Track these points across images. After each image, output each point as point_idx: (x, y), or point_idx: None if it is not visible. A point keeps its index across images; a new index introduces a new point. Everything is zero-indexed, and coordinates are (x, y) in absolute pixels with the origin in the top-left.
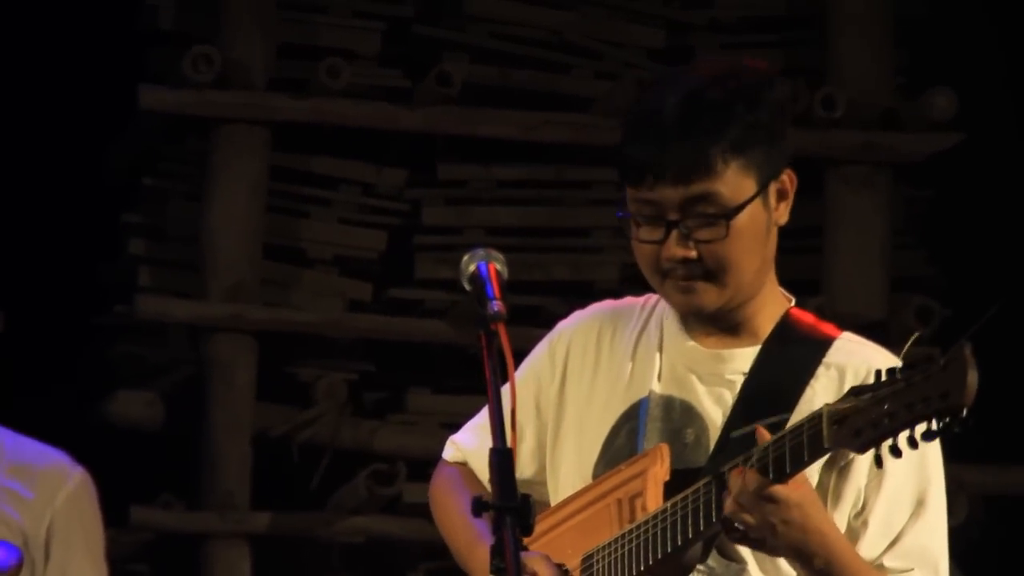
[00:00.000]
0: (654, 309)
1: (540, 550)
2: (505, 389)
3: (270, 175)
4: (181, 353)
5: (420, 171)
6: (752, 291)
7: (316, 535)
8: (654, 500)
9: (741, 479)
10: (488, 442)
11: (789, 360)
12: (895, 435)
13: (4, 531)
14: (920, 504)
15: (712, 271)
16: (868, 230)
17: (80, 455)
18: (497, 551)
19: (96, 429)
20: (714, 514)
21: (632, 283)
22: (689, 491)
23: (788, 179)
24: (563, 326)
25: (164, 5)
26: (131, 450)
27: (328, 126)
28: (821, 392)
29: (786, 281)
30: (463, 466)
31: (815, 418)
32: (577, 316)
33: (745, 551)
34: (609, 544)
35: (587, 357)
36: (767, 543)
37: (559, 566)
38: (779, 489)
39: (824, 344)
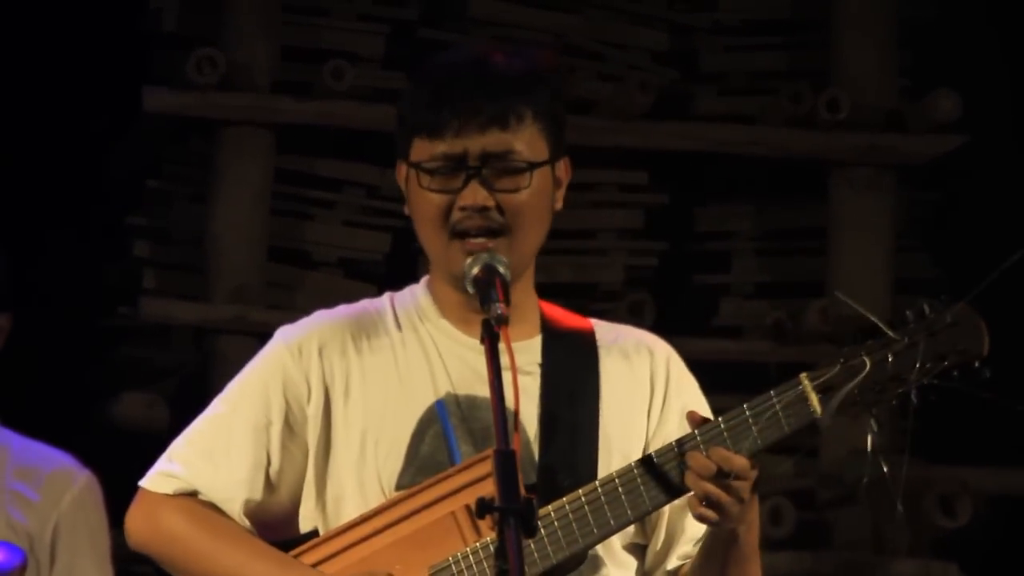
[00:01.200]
0: (395, 310)
1: (356, 569)
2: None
3: (274, 177)
4: (185, 355)
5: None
6: (524, 269)
7: None
8: None
9: (705, 458)
10: (220, 469)
11: (570, 346)
12: (902, 395)
13: (10, 534)
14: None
15: (507, 225)
16: (872, 232)
17: (84, 457)
18: (500, 553)
19: (100, 431)
20: (662, 495)
21: (636, 284)
22: (597, 483)
23: (565, 168)
24: (299, 337)
25: (168, 7)
26: (135, 452)
27: (332, 128)
28: (614, 372)
29: (791, 283)
30: (190, 498)
31: (794, 389)
32: (311, 326)
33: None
34: (476, 551)
35: (349, 367)
36: (732, 515)
37: None
38: (745, 464)
39: (588, 330)
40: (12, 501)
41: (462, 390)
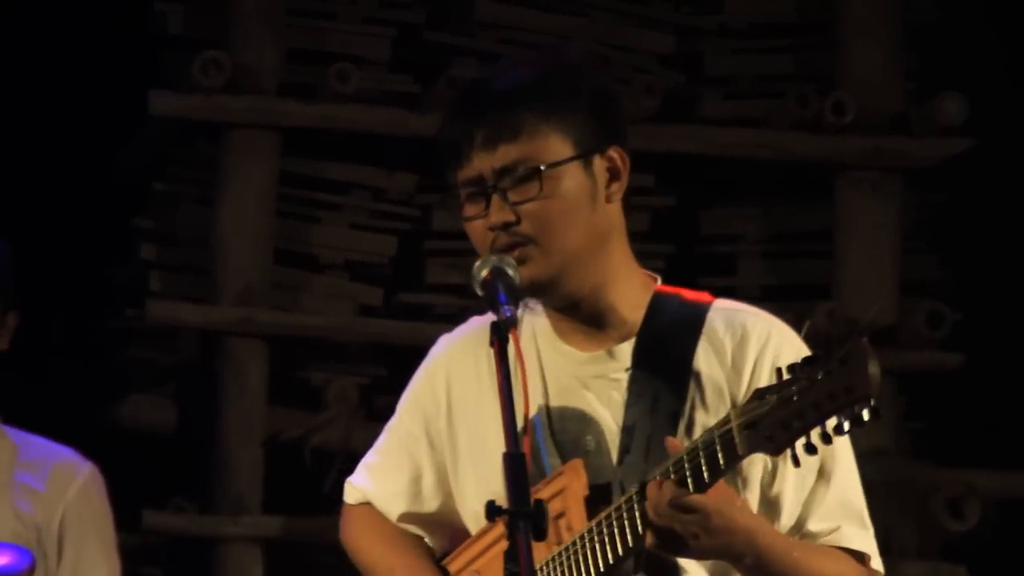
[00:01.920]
0: (521, 324)
1: None
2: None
3: (280, 180)
4: (192, 357)
5: (430, 176)
6: (591, 270)
7: (328, 539)
8: (578, 518)
9: (658, 492)
10: (385, 480)
11: (667, 344)
12: (806, 433)
13: (18, 525)
14: (827, 457)
15: (533, 233)
16: (878, 235)
17: (92, 458)
18: (511, 556)
19: (108, 433)
20: (640, 528)
21: None
22: (612, 507)
23: (619, 157)
24: (436, 355)
25: (174, 10)
26: (143, 454)
27: (338, 131)
28: (706, 368)
29: (797, 286)
30: (367, 506)
31: (725, 425)
32: (448, 343)
33: (685, 561)
34: (540, 569)
35: (468, 384)
36: (689, 551)
37: None
38: (696, 499)
39: (698, 317)
40: (20, 493)
41: (556, 402)
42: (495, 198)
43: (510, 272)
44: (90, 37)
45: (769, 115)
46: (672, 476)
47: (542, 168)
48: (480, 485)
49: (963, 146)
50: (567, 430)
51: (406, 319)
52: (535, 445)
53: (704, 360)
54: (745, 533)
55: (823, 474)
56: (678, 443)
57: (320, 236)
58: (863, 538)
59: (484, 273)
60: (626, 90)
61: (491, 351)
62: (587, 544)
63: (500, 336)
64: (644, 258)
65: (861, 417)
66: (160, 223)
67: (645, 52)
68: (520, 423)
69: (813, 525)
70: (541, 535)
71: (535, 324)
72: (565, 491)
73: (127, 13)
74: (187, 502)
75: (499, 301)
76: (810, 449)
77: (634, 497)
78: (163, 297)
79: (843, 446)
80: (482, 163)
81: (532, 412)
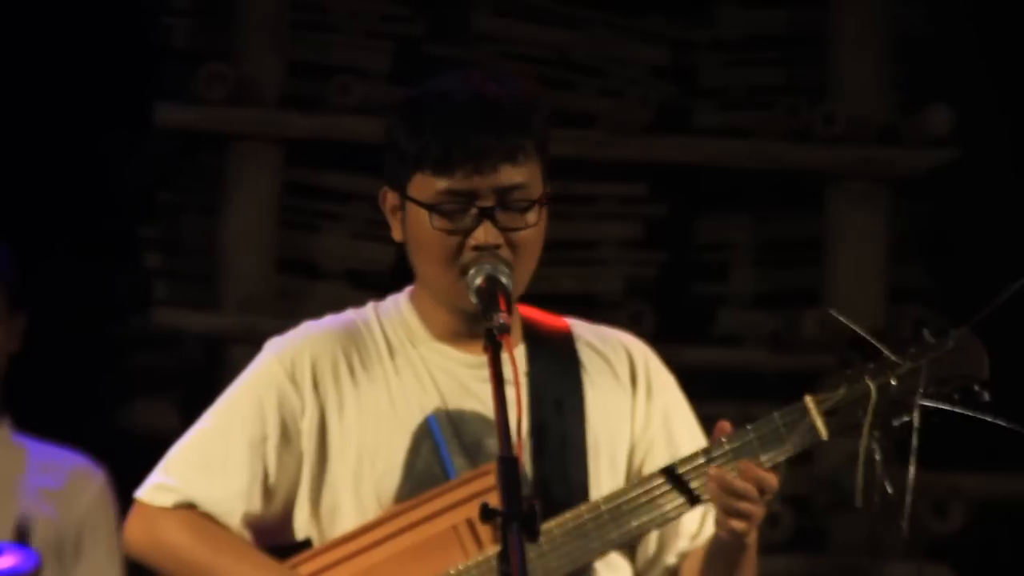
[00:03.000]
0: (383, 325)
1: None
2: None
3: (283, 190)
4: (195, 364)
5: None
6: (518, 294)
7: None
8: None
9: (724, 471)
10: (220, 481)
11: (551, 352)
12: (904, 418)
13: (39, 527)
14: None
15: (512, 260)
16: (867, 244)
17: (98, 463)
18: (504, 557)
19: (113, 438)
20: (682, 508)
21: (636, 294)
22: (603, 499)
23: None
24: (291, 350)
25: (178, 23)
26: (147, 459)
27: (339, 142)
28: (595, 374)
29: (787, 293)
30: (189, 511)
31: (797, 410)
32: (301, 339)
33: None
34: (479, 564)
35: (341, 381)
36: (750, 524)
37: None
38: (767, 475)
39: (566, 331)
40: (38, 496)
41: (452, 405)
42: (487, 221)
43: (504, 280)
44: (96, 49)
45: (760, 126)
46: (729, 458)
47: (541, 200)
48: (360, 485)
49: (951, 156)
50: (467, 432)
51: None
52: (432, 447)
53: (591, 367)
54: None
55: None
56: (727, 425)
57: (321, 245)
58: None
59: (479, 280)
60: (621, 101)
61: (360, 351)
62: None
63: (493, 343)
64: (638, 266)
65: (979, 396)
66: (165, 232)
67: (640, 64)
68: (412, 425)
69: None
70: (534, 537)
71: (398, 324)
72: (489, 492)
73: (132, 26)
74: None
75: (494, 308)
76: (902, 432)
77: (658, 484)
78: (168, 305)
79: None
80: (483, 181)
81: (424, 413)
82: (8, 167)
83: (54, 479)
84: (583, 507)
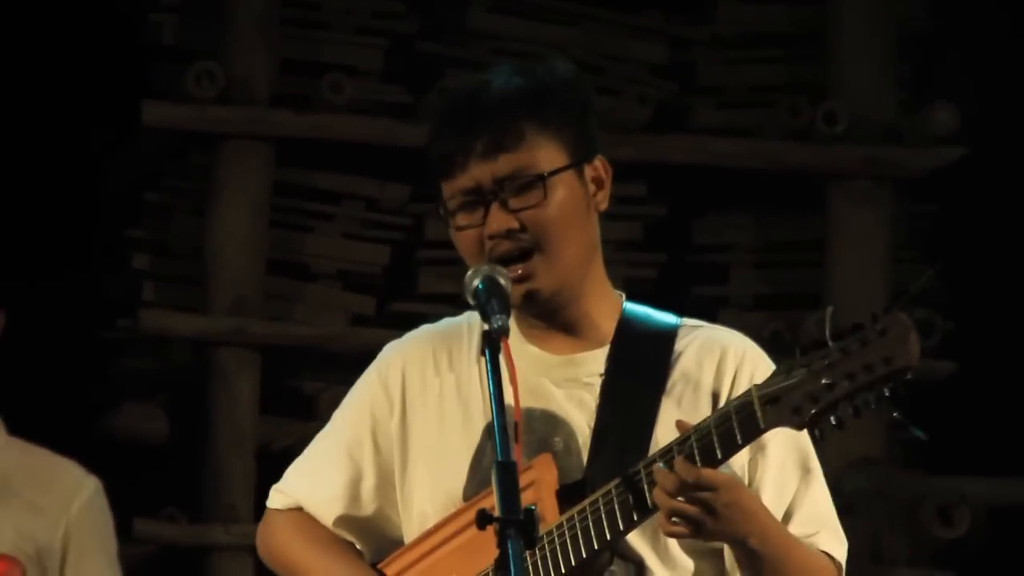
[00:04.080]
0: (483, 325)
1: None
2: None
3: (273, 190)
4: (184, 367)
5: (423, 186)
6: (580, 279)
7: None
8: (551, 510)
9: (666, 472)
10: (320, 484)
11: (640, 354)
12: (836, 407)
13: (19, 540)
14: (806, 471)
15: (537, 241)
16: (870, 244)
17: (85, 468)
18: (501, 564)
19: (100, 442)
20: (634, 513)
21: (634, 296)
22: (594, 497)
23: (603, 167)
24: (388, 356)
25: (167, 21)
26: (135, 463)
27: (331, 141)
28: (681, 380)
29: (789, 295)
30: (297, 512)
31: (744, 401)
32: (401, 344)
33: (642, 548)
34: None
35: (428, 384)
36: (707, 529)
37: None
38: (712, 474)
39: (669, 332)
40: (21, 507)
41: (525, 402)
42: (495, 206)
43: (502, 282)
44: (84, 47)
45: (761, 125)
46: (684, 453)
47: (544, 175)
48: (435, 485)
49: (955, 156)
50: (534, 430)
51: (399, 328)
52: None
53: (679, 372)
54: (752, 512)
55: (805, 481)
56: (687, 424)
57: (313, 246)
58: (838, 549)
59: (476, 282)
60: (619, 100)
61: (452, 351)
62: (565, 534)
63: (491, 346)
64: (637, 267)
65: (898, 389)
66: (153, 233)
67: (638, 62)
68: (485, 422)
69: (794, 528)
70: (532, 543)
71: None
72: (537, 483)
73: (121, 23)
74: (179, 511)
75: (490, 310)
76: (839, 425)
77: (615, 488)
78: (156, 307)
79: (815, 456)
80: (481, 172)
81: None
82: None
83: (40, 490)
84: (580, 504)
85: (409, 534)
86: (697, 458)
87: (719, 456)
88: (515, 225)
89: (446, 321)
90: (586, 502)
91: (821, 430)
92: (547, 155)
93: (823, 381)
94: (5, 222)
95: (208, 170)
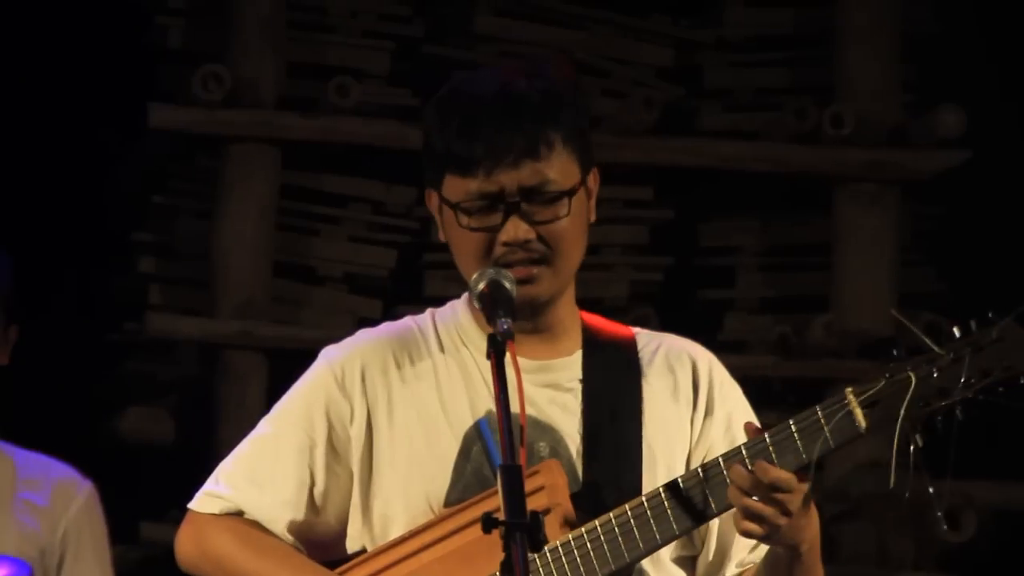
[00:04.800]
0: (437, 329)
1: None
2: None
3: (280, 193)
4: (191, 370)
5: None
6: (566, 288)
7: None
8: (568, 514)
9: (748, 472)
10: (267, 489)
11: (611, 360)
12: (949, 410)
13: (22, 542)
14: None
15: (550, 254)
16: (876, 247)
17: (91, 471)
18: (507, 568)
19: (107, 445)
20: (675, 524)
21: (641, 300)
22: (643, 499)
23: (594, 178)
24: (342, 358)
25: (174, 24)
26: (141, 466)
27: (338, 144)
28: (655, 383)
29: (795, 298)
30: (235, 518)
31: (838, 403)
32: (353, 346)
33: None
34: (546, 556)
35: (391, 386)
36: (780, 530)
37: None
38: (789, 477)
39: (629, 340)
40: (23, 510)
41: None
42: (514, 216)
43: (507, 285)
44: (90, 50)
45: (767, 127)
46: (771, 452)
47: (571, 191)
48: (408, 490)
49: (961, 158)
50: (519, 435)
51: None
52: (483, 449)
53: (652, 377)
54: (809, 517)
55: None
56: (755, 425)
57: (319, 249)
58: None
59: (482, 286)
60: (625, 103)
61: (411, 356)
62: (595, 542)
63: (497, 349)
64: (643, 270)
65: (1012, 397)
66: (159, 236)
67: (644, 65)
68: (463, 427)
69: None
70: (538, 547)
71: (452, 327)
72: (549, 488)
73: (127, 26)
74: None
75: (497, 314)
76: (943, 428)
77: (664, 491)
78: (162, 310)
79: None
80: (507, 180)
81: (476, 416)
82: (0, 168)
83: (39, 493)
84: (619, 509)
85: (363, 538)
86: (775, 459)
87: (803, 457)
88: (532, 236)
89: (386, 326)
90: (629, 506)
91: (920, 433)
92: (567, 167)
93: (933, 386)
94: (12, 226)
95: (215, 173)
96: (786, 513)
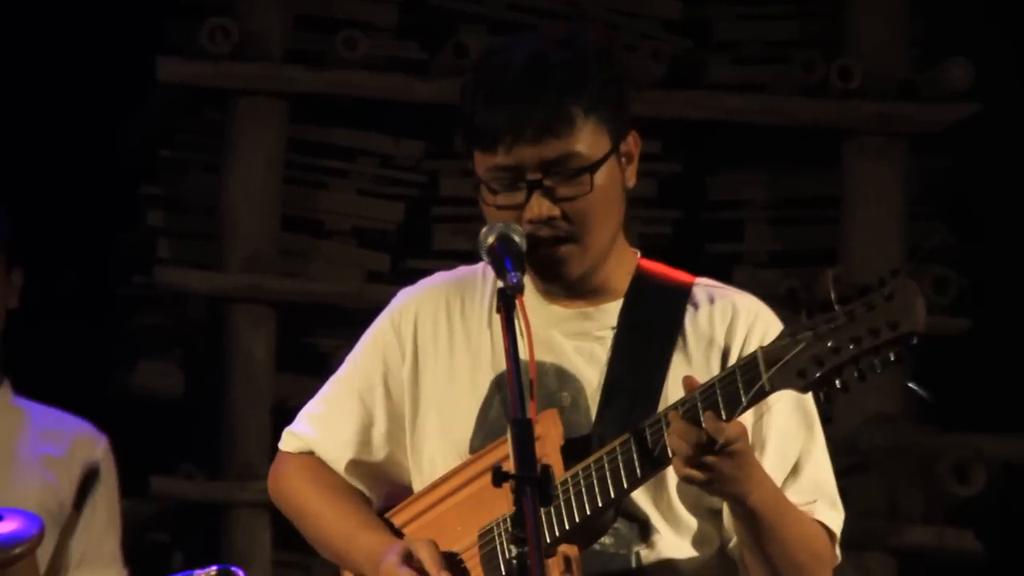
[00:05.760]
0: (497, 282)
1: (422, 531)
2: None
3: (288, 147)
4: (200, 323)
5: (437, 143)
6: (606, 254)
7: None
8: (556, 466)
9: (682, 422)
10: (332, 428)
11: (653, 309)
12: (841, 371)
13: (44, 495)
14: (810, 436)
15: (576, 231)
16: (885, 201)
17: (101, 425)
18: (517, 521)
19: (116, 399)
20: (639, 469)
21: (649, 253)
22: (601, 452)
23: (633, 141)
24: (402, 302)
25: None
26: (151, 420)
27: (345, 98)
28: (692, 336)
29: (804, 251)
30: (308, 456)
31: (749, 362)
32: (415, 291)
33: (646, 506)
34: (511, 515)
35: (439, 332)
36: (722, 474)
37: (449, 552)
38: (723, 425)
39: (683, 290)
40: (42, 462)
41: (528, 357)
42: (537, 193)
43: (517, 239)
44: (98, 4)
45: (775, 80)
46: (691, 411)
47: (593, 166)
48: (443, 434)
49: (969, 111)
50: (543, 384)
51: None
52: (506, 398)
53: (691, 329)
54: (754, 468)
55: (808, 447)
56: (696, 379)
57: (327, 203)
58: (834, 518)
59: (491, 240)
60: (633, 56)
61: (464, 300)
62: (570, 490)
63: (507, 303)
64: (652, 224)
65: (904, 353)
66: (168, 190)
67: (652, 18)
68: (493, 374)
69: (793, 495)
70: (548, 500)
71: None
72: (542, 439)
73: None
74: (195, 468)
75: (505, 267)
76: (844, 388)
77: (620, 445)
78: (171, 264)
79: (819, 425)
80: (528, 155)
81: (502, 368)
82: (8, 123)
83: (56, 446)
84: (594, 456)
85: (418, 481)
86: (701, 417)
87: (723, 417)
88: (557, 213)
89: (461, 269)
90: (591, 459)
91: (826, 394)
92: (593, 140)
93: (828, 344)
94: (20, 180)
95: (222, 126)
96: (719, 462)
